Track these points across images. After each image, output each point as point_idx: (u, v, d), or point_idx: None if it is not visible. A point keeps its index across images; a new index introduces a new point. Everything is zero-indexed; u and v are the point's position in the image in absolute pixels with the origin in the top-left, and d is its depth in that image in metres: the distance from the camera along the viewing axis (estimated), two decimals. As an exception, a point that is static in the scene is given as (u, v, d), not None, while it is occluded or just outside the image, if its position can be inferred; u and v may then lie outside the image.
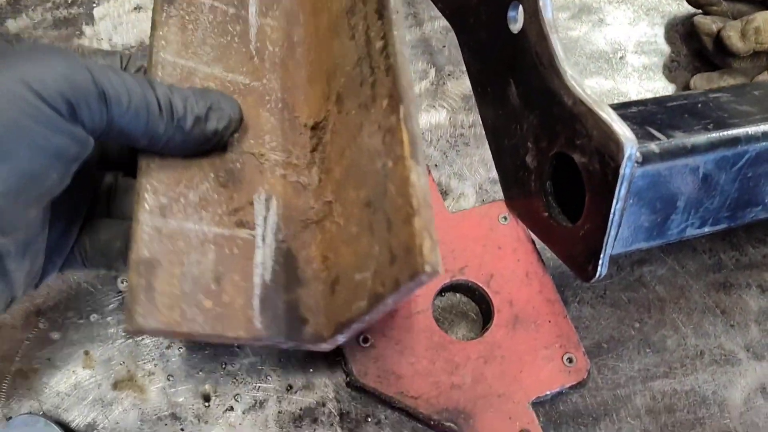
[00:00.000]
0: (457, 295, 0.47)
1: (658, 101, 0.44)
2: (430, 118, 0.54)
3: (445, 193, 0.51)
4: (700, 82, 0.57)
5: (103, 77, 0.30)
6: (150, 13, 0.44)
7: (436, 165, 0.52)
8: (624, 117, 0.41)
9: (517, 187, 0.46)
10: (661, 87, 0.59)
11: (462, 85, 0.56)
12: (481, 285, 0.45)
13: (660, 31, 0.62)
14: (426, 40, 0.58)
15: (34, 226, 0.31)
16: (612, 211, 0.37)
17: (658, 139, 0.39)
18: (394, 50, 0.36)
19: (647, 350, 0.47)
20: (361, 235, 0.35)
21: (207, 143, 0.36)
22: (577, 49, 0.60)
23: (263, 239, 0.37)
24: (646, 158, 0.38)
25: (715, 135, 0.39)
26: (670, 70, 0.60)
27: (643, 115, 0.42)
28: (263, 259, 0.37)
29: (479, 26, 0.47)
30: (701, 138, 0.39)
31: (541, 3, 0.40)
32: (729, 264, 0.51)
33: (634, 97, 0.58)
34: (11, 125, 0.28)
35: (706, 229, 0.43)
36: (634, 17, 0.63)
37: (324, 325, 0.36)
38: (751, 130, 0.40)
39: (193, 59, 0.40)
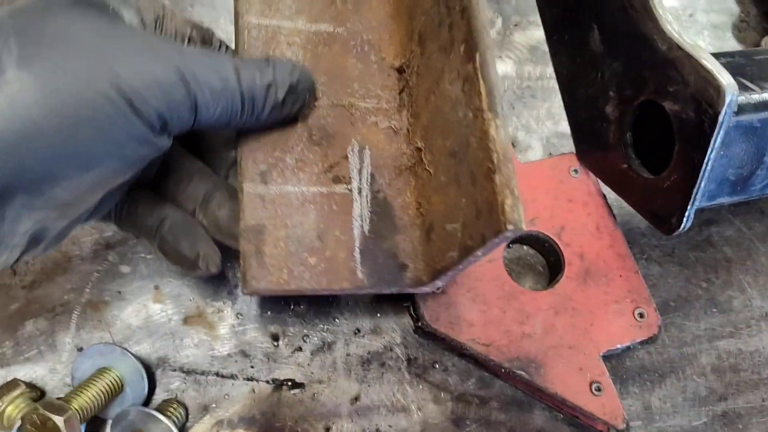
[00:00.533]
0: (525, 247, 0.47)
1: (745, 54, 0.43)
2: (497, 68, 0.53)
3: (512, 145, 0.50)
4: (774, 42, 0.55)
5: (195, 84, 0.30)
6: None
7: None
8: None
9: (592, 138, 0.45)
10: (730, 46, 0.57)
11: (529, 35, 0.54)
12: (551, 237, 0.45)
13: (730, -10, 0.60)
14: (492, -12, 0.56)
15: (89, 205, 0.32)
16: (706, 160, 0.36)
17: (752, 89, 0.38)
18: None
19: (713, 310, 0.47)
20: (449, 185, 0.34)
21: (279, 121, 0.37)
22: (645, 4, 0.58)
23: (359, 191, 0.38)
24: (741, 108, 0.37)
25: (810, 88, 0.38)
26: (739, 30, 0.58)
27: (733, 66, 0.41)
28: (361, 211, 0.37)
29: (559, -29, 0.46)
30: (797, 90, 0.38)
31: (636, -56, 0.39)
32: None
33: (703, 56, 0.56)
34: (101, 135, 0.28)
35: (789, 188, 0.42)
36: (705, -26, 0.61)
37: (423, 270, 0.36)
38: None
39: (277, 16, 0.39)
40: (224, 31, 0.50)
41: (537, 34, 0.54)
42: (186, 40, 0.35)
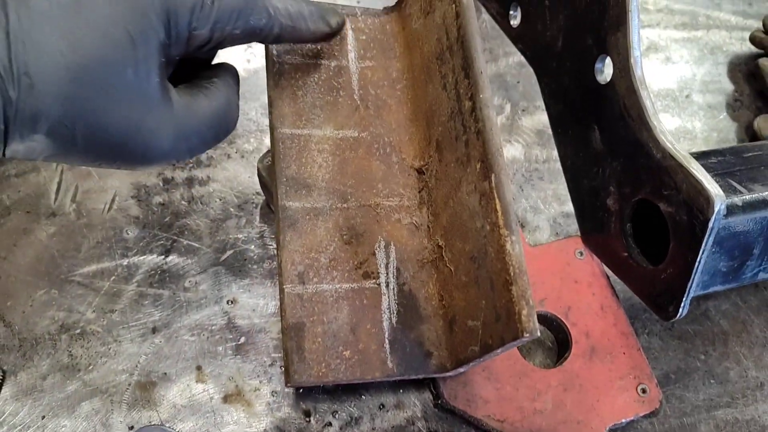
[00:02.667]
0: (535, 323, 0.51)
1: (735, 151, 0.47)
2: (505, 152, 0.57)
3: (521, 226, 0.55)
4: (764, 123, 0.59)
5: None
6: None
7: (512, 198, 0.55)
8: (706, 167, 0.44)
9: (595, 225, 0.49)
10: (724, 126, 0.62)
11: (536, 120, 0.59)
12: (559, 316, 0.48)
13: (723, 71, 0.65)
14: (501, 76, 0.61)
15: None
16: (698, 259, 0.40)
17: (740, 192, 0.42)
18: (482, 115, 0.38)
19: (711, 381, 0.50)
20: (470, 285, 0.39)
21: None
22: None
23: (387, 285, 0.42)
24: (730, 211, 0.41)
25: (792, 189, 0.42)
26: (733, 110, 0.63)
27: (723, 166, 0.45)
28: (389, 304, 0.41)
29: (563, 72, 0.50)
30: (780, 192, 0.42)
31: (632, 59, 0.43)
32: (790, 301, 0.54)
33: (699, 136, 0.60)
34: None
35: (778, 274, 0.46)
36: (699, 56, 0.65)
37: (446, 358, 0.40)
38: (825, 183, 0.43)
39: (308, 126, 0.44)
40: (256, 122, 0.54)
41: (543, 118, 0.58)
42: None
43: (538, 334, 0.33)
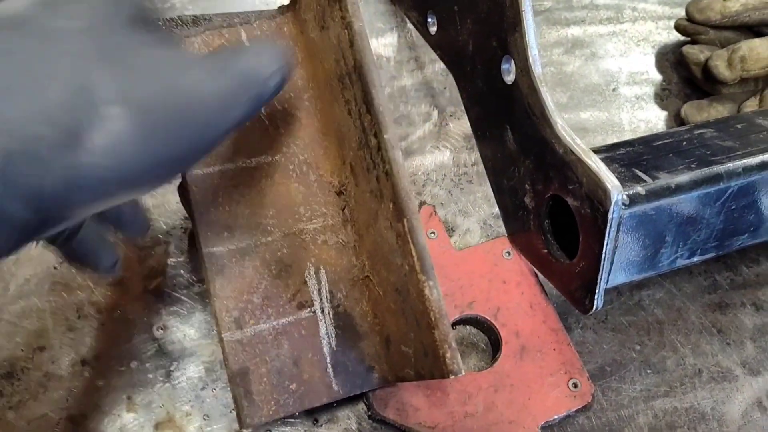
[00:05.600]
0: (467, 327, 0.51)
1: (645, 141, 0.48)
2: (434, 158, 0.58)
3: (451, 230, 0.55)
4: (690, 110, 0.60)
5: None
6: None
7: (442, 203, 0.56)
8: (612, 159, 0.45)
9: (517, 224, 0.50)
10: (653, 116, 0.62)
11: (463, 125, 0.59)
12: (488, 318, 0.49)
13: (651, 61, 0.65)
14: (428, 83, 0.61)
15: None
16: (603, 251, 0.40)
17: (644, 180, 0.42)
18: (388, 156, 0.36)
19: (648, 371, 0.50)
20: (398, 315, 0.39)
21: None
22: (571, 83, 0.63)
23: (322, 311, 0.42)
24: (633, 200, 0.41)
25: (698, 173, 0.42)
26: (661, 99, 0.63)
27: (631, 156, 0.45)
28: (326, 329, 0.42)
29: (476, 75, 0.51)
30: (684, 177, 0.42)
31: (530, 59, 0.43)
32: (724, 284, 0.54)
33: (627, 128, 0.61)
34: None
35: (696, 259, 0.46)
36: (626, 49, 0.66)
37: (387, 371, 0.41)
38: (733, 165, 0.43)
39: (218, 162, 0.42)
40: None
41: (469, 123, 0.59)
42: None
43: (463, 372, 0.34)
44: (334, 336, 0.42)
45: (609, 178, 0.39)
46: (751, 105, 0.59)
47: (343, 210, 0.44)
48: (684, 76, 0.64)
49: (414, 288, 0.36)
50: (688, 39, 0.65)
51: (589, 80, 0.63)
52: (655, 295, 0.53)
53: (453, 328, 0.51)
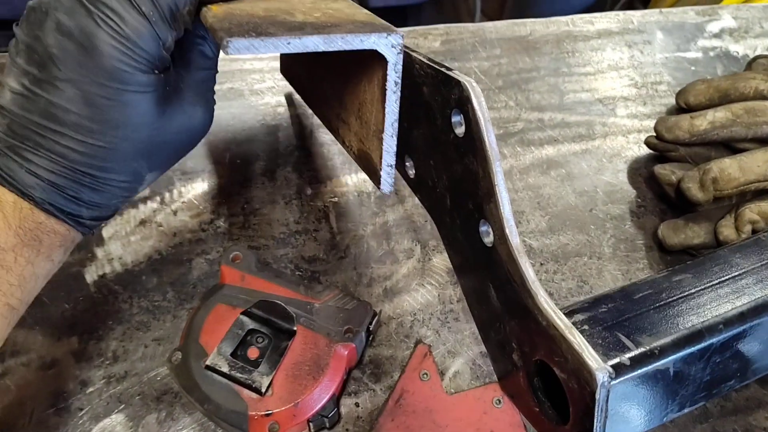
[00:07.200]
0: (463, 480, 0.51)
1: (626, 294, 0.48)
2: (420, 297, 0.58)
3: (442, 373, 0.55)
4: (668, 232, 0.61)
5: None
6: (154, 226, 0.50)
7: (431, 345, 0.56)
8: (595, 320, 0.45)
9: (507, 375, 0.50)
10: (631, 235, 0.63)
11: (446, 259, 0.60)
12: (481, 473, 0.49)
13: (624, 178, 0.67)
14: (409, 217, 0.62)
15: None
16: (594, 426, 0.40)
17: (628, 348, 0.43)
18: None
19: None
20: None
21: None
22: (549, 206, 0.64)
23: None
24: (619, 371, 0.41)
25: (679, 336, 0.43)
26: (638, 216, 0.64)
27: (613, 315, 0.46)
28: None
29: (455, 228, 0.52)
30: (666, 341, 0.43)
31: (507, 229, 0.44)
32: (715, 412, 0.55)
33: (607, 251, 0.62)
34: None
35: (686, 410, 0.46)
36: (599, 166, 0.67)
37: None
38: (713, 321, 0.44)
39: None
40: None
41: (453, 257, 0.60)
42: None
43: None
44: None
45: (593, 357, 0.39)
46: (726, 224, 0.60)
47: None
48: (658, 192, 0.66)
49: None
50: (658, 154, 0.67)
51: (566, 202, 0.65)
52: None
53: (449, 484, 0.50)
